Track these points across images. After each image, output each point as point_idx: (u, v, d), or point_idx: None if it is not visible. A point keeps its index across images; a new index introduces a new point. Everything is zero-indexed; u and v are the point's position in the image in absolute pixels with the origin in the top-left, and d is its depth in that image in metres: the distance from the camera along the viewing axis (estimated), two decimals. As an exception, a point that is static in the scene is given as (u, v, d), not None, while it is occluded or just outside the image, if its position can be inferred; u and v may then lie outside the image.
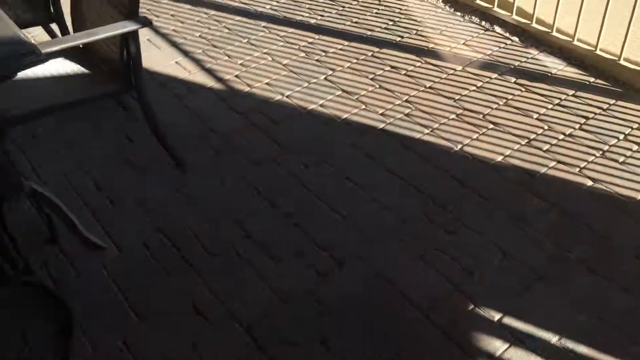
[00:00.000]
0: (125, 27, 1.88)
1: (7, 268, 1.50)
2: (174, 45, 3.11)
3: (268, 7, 3.39)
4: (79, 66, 2.18)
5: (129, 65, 2.01)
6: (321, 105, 2.67)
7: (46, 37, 2.65)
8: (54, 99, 1.98)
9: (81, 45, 2.20)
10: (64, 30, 2.51)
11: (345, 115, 2.60)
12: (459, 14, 3.32)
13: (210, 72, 2.90)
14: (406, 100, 2.67)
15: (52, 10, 2.43)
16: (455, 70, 2.86)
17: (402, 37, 3.10)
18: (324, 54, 3.00)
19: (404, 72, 2.85)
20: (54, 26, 2.56)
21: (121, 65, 2.02)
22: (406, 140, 2.46)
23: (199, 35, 3.17)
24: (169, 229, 2.13)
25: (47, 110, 1.94)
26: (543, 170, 2.30)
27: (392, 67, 2.89)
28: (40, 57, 1.42)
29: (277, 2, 3.44)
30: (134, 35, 1.93)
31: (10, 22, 1.56)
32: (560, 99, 2.65)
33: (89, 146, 2.48)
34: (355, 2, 3.41)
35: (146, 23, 1.88)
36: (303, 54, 3.00)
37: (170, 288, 1.93)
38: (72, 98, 2.00)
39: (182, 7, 3.42)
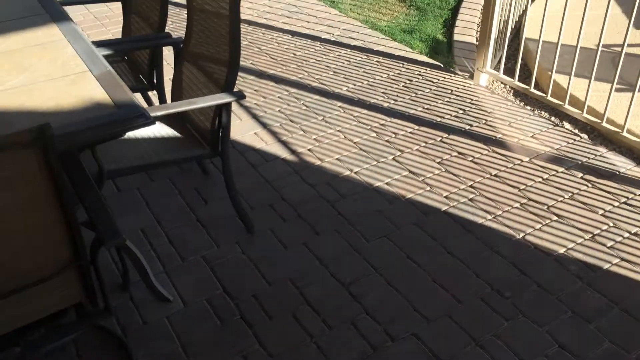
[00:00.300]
0: (222, 98, 2.08)
1: (88, 306, 1.64)
2: (254, 117, 3.34)
3: (345, 89, 3.61)
4: (172, 130, 2.41)
5: (218, 133, 2.21)
6: (387, 184, 2.77)
7: (143, 102, 2.94)
8: (147, 157, 2.19)
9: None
10: (162, 98, 2.79)
11: (410, 195, 2.69)
12: (529, 108, 3.41)
13: (285, 144, 3.09)
14: (471, 186, 2.74)
15: (154, 81, 2.72)
16: (522, 161, 2.91)
17: (471, 125, 3.21)
18: (394, 135, 3.14)
19: (470, 158, 2.94)
20: (152, 93, 2.84)
21: (211, 132, 2.22)
22: (468, 224, 2.51)
23: (278, 110, 3.40)
24: (232, 288, 2.24)
25: (140, 167, 2.14)
26: (606, 266, 2.28)
27: (459, 153, 2.98)
28: (149, 120, 1.62)
29: (354, 85, 3.66)
30: (227, 106, 2.13)
31: (127, 87, 1.79)
32: (627, 197, 2.64)
33: (167, 203, 2.68)
34: (428, 90, 3.57)
35: (241, 96, 2.09)
36: (374, 134, 3.15)
37: (228, 345, 2.02)
38: (163, 158, 2.20)
39: (266, 83, 3.69)
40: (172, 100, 2.57)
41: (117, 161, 2.15)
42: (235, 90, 2.16)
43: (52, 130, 1.20)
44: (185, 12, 4.87)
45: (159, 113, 1.97)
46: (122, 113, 1.74)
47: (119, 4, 5.09)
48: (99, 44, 2.49)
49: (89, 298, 1.61)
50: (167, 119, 2.48)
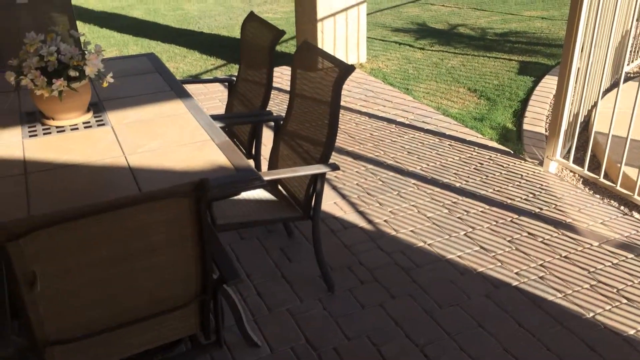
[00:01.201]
0: (319, 169, 2.38)
1: (201, 337, 1.89)
2: (334, 188, 3.64)
3: (418, 168, 3.88)
4: (268, 193, 2.72)
5: (310, 199, 2.50)
6: (459, 257, 2.96)
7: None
8: (249, 216, 2.49)
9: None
10: (257, 166, 3.13)
11: (481, 269, 2.86)
12: (598, 196, 3.55)
13: (362, 214, 3.35)
14: (541, 265, 2.88)
15: (252, 151, 3.07)
16: (591, 245, 3.04)
17: (541, 209, 3.37)
18: (465, 213, 3.34)
19: (540, 239, 3.09)
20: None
21: (305, 198, 2.51)
22: (538, 300, 2.64)
23: (356, 184, 3.69)
24: (314, 339, 2.44)
25: (244, 224, 2.44)
26: (677, 350, 2.35)
27: (529, 233, 3.14)
28: (263, 183, 1.92)
29: (427, 165, 3.92)
30: (322, 176, 2.43)
31: (242, 155, 2.11)
32: (698, 286, 2.71)
33: (255, 260, 2.95)
34: (499, 174, 3.78)
35: (335, 167, 2.38)
36: (446, 211, 3.36)
37: (310, 390, 2.20)
38: (263, 217, 2.49)
39: (345, 159, 4.01)
40: (269, 168, 2.90)
41: (225, 217, 2.45)
42: (333, 162, 2.45)
43: (210, 185, 1.50)
44: (271, 94, 5.35)
45: (269, 178, 2.28)
46: (242, 175, 2.06)
47: (215, 85, 5.68)
48: (213, 117, 2.88)
49: (203, 330, 1.86)
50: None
